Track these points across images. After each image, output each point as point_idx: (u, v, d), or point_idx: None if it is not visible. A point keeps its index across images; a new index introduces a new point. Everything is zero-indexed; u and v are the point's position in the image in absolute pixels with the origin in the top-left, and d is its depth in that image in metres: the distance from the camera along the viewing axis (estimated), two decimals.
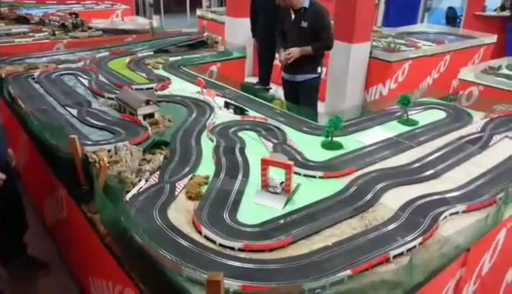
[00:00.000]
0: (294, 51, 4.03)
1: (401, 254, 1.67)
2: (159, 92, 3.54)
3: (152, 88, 3.59)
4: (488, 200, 2.04)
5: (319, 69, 4.26)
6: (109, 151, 2.37)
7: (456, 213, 1.96)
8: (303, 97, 4.28)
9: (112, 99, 3.28)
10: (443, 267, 1.63)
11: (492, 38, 7.01)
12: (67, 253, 2.98)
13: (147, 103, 2.90)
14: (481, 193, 2.11)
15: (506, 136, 2.79)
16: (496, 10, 8.45)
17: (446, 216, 1.92)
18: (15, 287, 2.93)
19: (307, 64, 4.15)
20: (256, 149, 2.56)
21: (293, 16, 4.08)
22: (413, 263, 1.54)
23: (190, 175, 2.21)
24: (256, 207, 1.97)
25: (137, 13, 10.85)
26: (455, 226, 1.86)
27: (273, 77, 6.88)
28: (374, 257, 1.62)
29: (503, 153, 2.56)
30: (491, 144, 2.69)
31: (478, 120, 3.07)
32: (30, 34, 5.88)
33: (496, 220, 1.89)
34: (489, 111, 3.21)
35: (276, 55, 4.50)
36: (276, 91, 4.26)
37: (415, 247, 1.71)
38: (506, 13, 8.23)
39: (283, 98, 4.49)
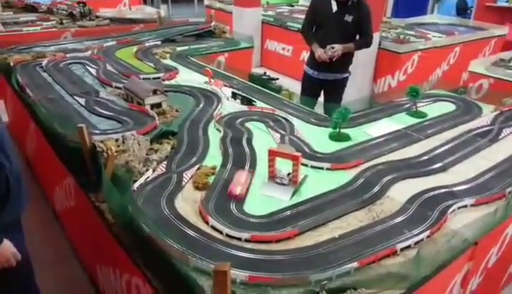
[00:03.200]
0: (339, 49, 3.59)
1: (409, 247, 1.66)
2: (167, 82, 3.54)
3: (159, 78, 3.59)
4: (497, 194, 2.02)
5: (350, 68, 3.97)
6: (116, 140, 2.37)
7: (465, 206, 1.95)
8: (331, 96, 3.95)
9: (120, 88, 3.28)
10: (451, 260, 1.62)
11: (504, 30, 6.90)
12: (76, 241, 3.01)
13: (155, 93, 2.90)
14: (490, 186, 2.09)
15: None
16: (508, 1, 8.31)
17: (454, 210, 1.90)
18: None
19: (344, 63, 3.82)
20: (263, 139, 2.55)
21: (334, 7, 3.61)
22: (420, 256, 1.53)
23: (198, 166, 2.21)
24: (263, 198, 1.97)
25: (145, 2, 10.83)
26: (463, 220, 1.85)
27: (285, 69, 6.83)
28: (381, 250, 1.62)
29: None
30: (500, 137, 2.66)
31: (488, 113, 3.04)
32: (38, 23, 5.90)
33: (504, 214, 1.87)
34: (499, 104, 3.17)
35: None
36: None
37: (422, 240, 1.70)
38: None
39: (292, 90, 4.38)
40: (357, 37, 3.76)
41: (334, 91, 3.99)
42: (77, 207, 2.68)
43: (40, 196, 3.60)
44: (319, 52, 3.68)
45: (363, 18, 3.65)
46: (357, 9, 3.61)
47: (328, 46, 3.62)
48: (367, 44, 3.81)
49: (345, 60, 3.79)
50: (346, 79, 3.99)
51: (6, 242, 1.78)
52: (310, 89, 4.00)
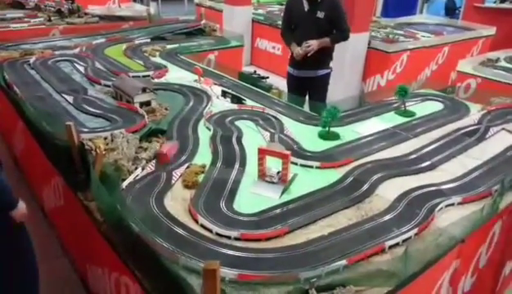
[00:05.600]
0: (314, 45, 3.69)
1: (397, 244, 1.68)
2: (156, 80, 3.52)
3: (149, 76, 3.57)
4: (484, 192, 2.05)
5: (331, 64, 4.01)
6: (105, 139, 2.36)
7: (452, 205, 1.97)
8: (314, 93, 4.00)
9: (108, 86, 3.25)
10: (438, 258, 1.64)
11: (491, 30, 6.99)
12: (65, 240, 2.98)
13: (144, 91, 2.88)
14: (477, 185, 2.12)
15: (503, 129, 2.80)
16: (495, 2, 8.41)
17: (441, 208, 1.92)
18: None
19: (322, 59, 3.87)
20: (253, 138, 2.55)
21: (306, 6, 3.74)
22: (408, 253, 1.54)
23: (187, 164, 2.21)
24: (252, 197, 1.97)
25: (134, 0, 10.73)
26: (450, 218, 1.87)
27: (275, 68, 6.83)
28: (369, 247, 1.63)
29: (499, 146, 2.57)
30: (487, 136, 2.70)
31: (476, 112, 3.07)
32: (26, 20, 5.82)
33: (491, 211, 1.90)
34: (486, 103, 3.21)
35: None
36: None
37: (410, 237, 1.72)
38: (507, 5, 8.19)
39: (282, 89, 4.37)
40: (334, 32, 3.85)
41: (317, 88, 4.03)
42: (65, 206, 2.65)
43: (29, 195, 3.56)
44: (296, 50, 3.77)
45: (335, 12, 3.75)
46: (327, 5, 3.72)
47: (303, 43, 3.71)
48: (344, 37, 3.88)
49: (323, 55, 3.85)
50: (327, 75, 4.04)
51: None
52: (294, 88, 4.04)
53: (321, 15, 3.72)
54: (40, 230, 3.24)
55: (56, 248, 3.05)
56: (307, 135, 2.63)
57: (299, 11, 3.80)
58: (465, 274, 1.96)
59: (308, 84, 4.02)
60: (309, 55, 3.72)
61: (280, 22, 6.95)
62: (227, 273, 1.47)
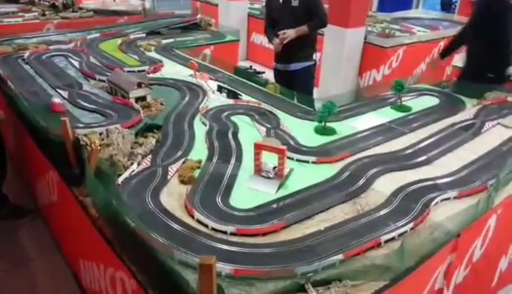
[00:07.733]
0: (290, 32, 3.75)
1: (393, 239, 1.68)
2: (152, 75, 3.50)
3: (144, 71, 3.55)
4: (480, 186, 2.06)
5: (314, 56, 4.05)
6: (100, 134, 2.34)
7: (448, 199, 1.97)
8: (299, 86, 3.96)
9: (103, 81, 3.23)
10: (434, 252, 1.64)
11: None
12: (59, 236, 2.97)
13: (139, 85, 2.86)
14: (472, 179, 2.13)
15: (498, 123, 2.81)
16: None
17: (437, 202, 1.93)
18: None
19: (303, 51, 3.92)
20: (249, 133, 2.55)
21: None
22: (404, 248, 1.55)
23: (183, 159, 2.20)
24: (249, 192, 1.97)
25: None
26: (446, 212, 1.88)
27: (271, 63, 6.81)
28: (365, 242, 1.63)
29: (495, 140, 2.58)
30: (483, 130, 2.70)
31: (471, 107, 3.08)
32: (20, 14, 5.77)
33: (486, 206, 1.90)
34: (482, 98, 3.22)
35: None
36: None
37: (406, 232, 1.72)
38: None
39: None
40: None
41: (301, 81, 4.04)
42: (60, 202, 2.64)
43: (23, 190, 3.55)
44: (274, 42, 3.85)
45: (310, 1, 3.77)
46: None
47: (280, 32, 3.76)
48: (321, 24, 3.90)
49: (303, 46, 3.86)
50: (310, 67, 4.05)
51: None
52: (279, 82, 4.04)
53: (295, 3, 3.76)
54: (34, 225, 3.24)
55: (49, 244, 3.04)
56: (303, 130, 2.63)
57: (276, 4, 3.88)
58: (459, 267, 1.97)
59: (292, 77, 4.03)
60: (285, 42, 3.74)
61: None
62: (223, 268, 1.47)
